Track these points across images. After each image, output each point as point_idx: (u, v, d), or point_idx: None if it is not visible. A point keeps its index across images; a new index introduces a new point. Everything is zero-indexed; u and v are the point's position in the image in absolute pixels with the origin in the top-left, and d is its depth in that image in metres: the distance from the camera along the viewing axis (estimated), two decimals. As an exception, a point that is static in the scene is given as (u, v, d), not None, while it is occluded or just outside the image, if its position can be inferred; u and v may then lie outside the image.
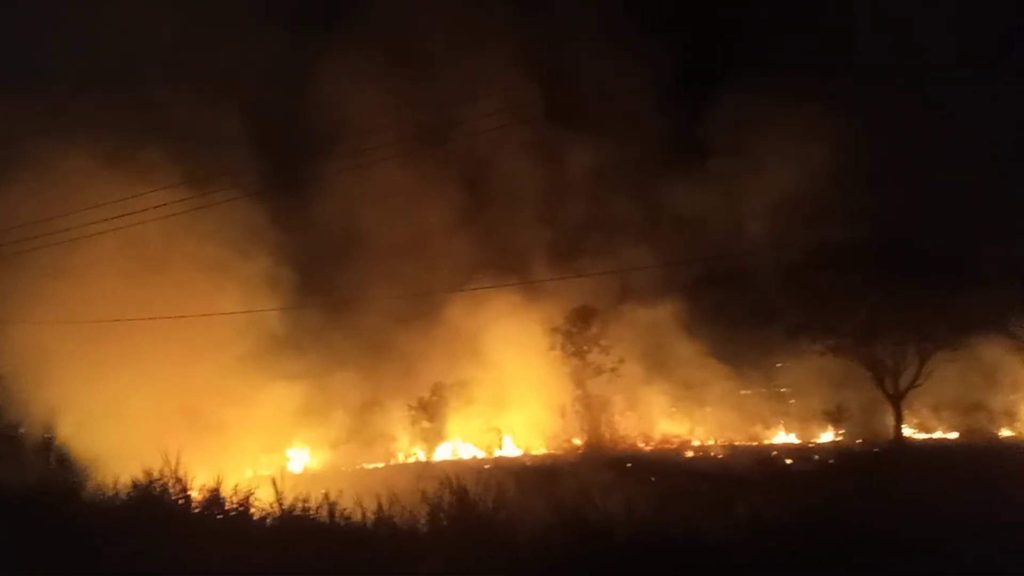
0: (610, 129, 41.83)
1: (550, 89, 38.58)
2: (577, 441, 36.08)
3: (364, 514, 12.87)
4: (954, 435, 33.58)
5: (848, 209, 35.96)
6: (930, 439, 33.84)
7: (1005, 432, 32.78)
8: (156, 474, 15.35)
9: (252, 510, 14.04)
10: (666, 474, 25.35)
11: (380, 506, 12.81)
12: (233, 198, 28.45)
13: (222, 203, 28.04)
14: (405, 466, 35.00)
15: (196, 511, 14.72)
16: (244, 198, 29.78)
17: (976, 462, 23.88)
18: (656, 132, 41.43)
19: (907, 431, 33.38)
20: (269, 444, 32.50)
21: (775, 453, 31.74)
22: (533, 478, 23.26)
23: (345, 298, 36.61)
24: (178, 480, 15.06)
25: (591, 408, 36.29)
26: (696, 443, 35.82)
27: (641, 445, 36.10)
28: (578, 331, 36.76)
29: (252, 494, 14.23)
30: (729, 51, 48.71)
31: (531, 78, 38.58)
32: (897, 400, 32.78)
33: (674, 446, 35.50)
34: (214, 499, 14.53)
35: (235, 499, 14.34)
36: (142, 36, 33.73)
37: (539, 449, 36.22)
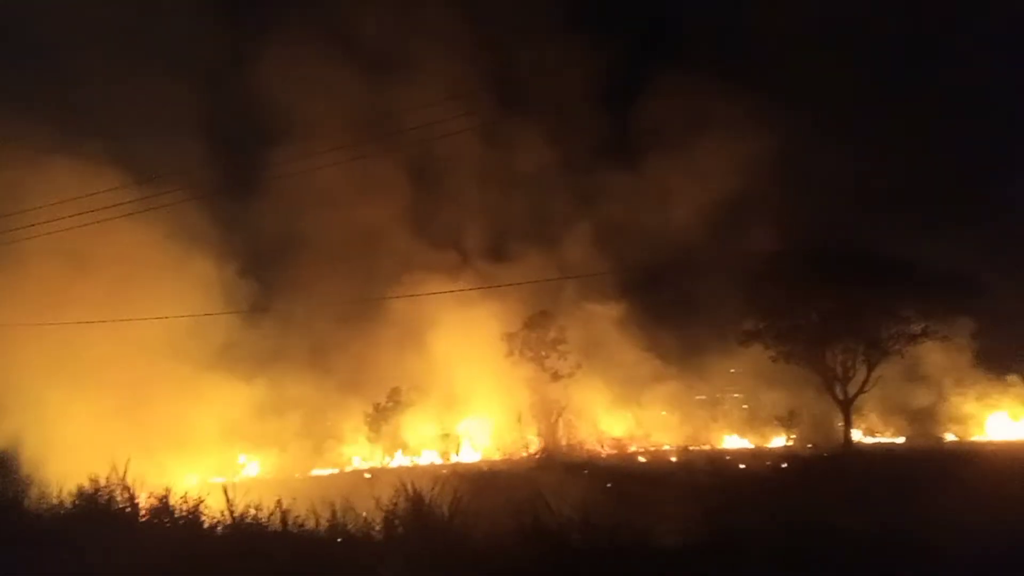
0: (558, 130, 42.44)
1: (495, 91, 38.80)
2: (534, 445, 36.09)
3: (318, 521, 12.70)
4: (901, 440, 34.40)
5: (792, 213, 36.83)
6: (878, 443, 34.58)
7: (949, 436, 33.69)
8: (102, 482, 15.03)
9: (202, 518, 13.79)
10: (621, 479, 25.39)
11: (334, 513, 12.65)
12: (183, 200, 27.92)
13: (171, 205, 27.48)
14: (360, 472, 34.60)
15: (144, 519, 14.42)
16: (193, 200, 29.28)
17: (922, 466, 24.38)
18: (600, 134, 42.10)
19: (856, 435, 34.05)
20: (220, 450, 31.84)
21: (728, 457, 32.09)
22: (490, 484, 23.15)
23: (297, 303, 36.06)
24: (125, 488, 14.75)
25: (548, 413, 36.33)
26: (651, 448, 36.04)
27: (597, 449, 36.23)
28: (536, 336, 36.77)
29: (202, 502, 13.98)
30: (679, 53, 49.23)
31: (475, 81, 38.96)
32: (846, 405, 33.44)
33: (629, 451, 35.69)
34: (163, 507, 14.25)
35: (184, 507, 14.07)
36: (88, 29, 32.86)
37: (497, 455, 36.10)
